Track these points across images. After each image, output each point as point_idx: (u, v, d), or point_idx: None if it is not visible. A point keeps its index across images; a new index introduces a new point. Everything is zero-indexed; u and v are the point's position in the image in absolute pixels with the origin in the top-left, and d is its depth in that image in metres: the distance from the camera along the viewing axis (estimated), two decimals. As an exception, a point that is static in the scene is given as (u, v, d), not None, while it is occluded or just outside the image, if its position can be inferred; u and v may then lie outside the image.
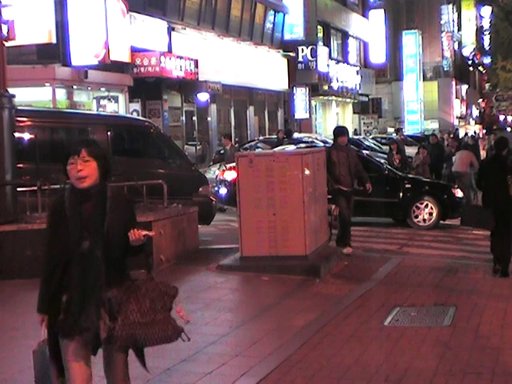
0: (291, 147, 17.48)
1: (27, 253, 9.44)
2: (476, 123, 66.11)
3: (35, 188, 9.77)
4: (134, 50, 22.44)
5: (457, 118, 59.14)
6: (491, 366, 6.08)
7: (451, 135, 32.12)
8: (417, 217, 15.39)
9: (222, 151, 26.13)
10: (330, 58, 38.81)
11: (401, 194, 15.59)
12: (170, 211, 10.68)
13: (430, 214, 15.37)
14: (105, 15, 20.21)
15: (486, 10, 73.15)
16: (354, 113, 46.90)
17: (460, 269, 10.55)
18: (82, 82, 20.89)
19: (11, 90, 9.92)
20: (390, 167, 16.81)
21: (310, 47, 35.16)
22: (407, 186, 15.83)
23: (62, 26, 19.94)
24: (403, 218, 15.55)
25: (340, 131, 12.14)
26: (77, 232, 4.11)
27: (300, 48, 35.12)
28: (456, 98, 58.90)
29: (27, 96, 17.68)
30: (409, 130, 45.79)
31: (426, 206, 15.37)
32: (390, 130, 43.27)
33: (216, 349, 6.58)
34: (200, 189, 12.69)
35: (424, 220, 15.38)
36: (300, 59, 35.18)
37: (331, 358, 6.31)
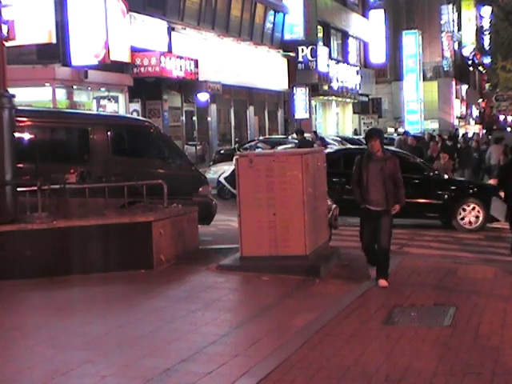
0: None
1: (27, 253, 9.45)
2: (476, 123, 66.15)
3: (35, 188, 9.77)
4: (134, 50, 22.47)
5: (457, 118, 59.16)
6: (491, 366, 6.08)
7: (442, 136, 30.18)
8: (463, 219, 15.13)
9: (222, 151, 26.20)
10: (330, 58, 38.84)
11: (446, 196, 15.37)
12: (170, 211, 10.68)
13: (477, 216, 15.07)
14: (105, 15, 20.25)
15: (486, 10, 73.17)
16: (354, 113, 46.92)
17: (460, 269, 10.55)
18: (82, 82, 20.92)
19: (11, 90, 9.91)
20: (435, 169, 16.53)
21: (310, 47, 35.20)
22: (453, 187, 15.64)
23: (62, 26, 19.97)
24: (448, 220, 15.29)
25: (370, 133, 9.65)
26: None
27: (300, 48, 35.16)
28: (456, 98, 58.91)
29: (27, 96, 17.70)
30: (409, 130, 45.76)
31: (473, 208, 15.10)
32: (389, 129, 43.26)
33: (216, 349, 6.57)
34: (200, 189, 12.68)
35: (470, 222, 15.11)
36: (300, 59, 35.22)
37: (331, 358, 6.30)
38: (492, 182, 18.55)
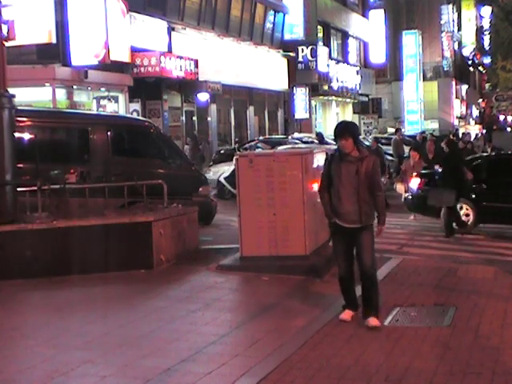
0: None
1: (27, 253, 9.45)
2: (476, 123, 66.13)
3: (35, 188, 9.77)
4: (134, 50, 22.46)
5: (457, 117, 59.15)
6: (491, 366, 6.07)
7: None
8: None
9: (222, 151, 26.20)
10: (330, 58, 38.83)
11: None
12: (170, 211, 10.68)
13: None
14: (105, 15, 20.24)
15: (486, 10, 73.15)
16: (354, 113, 46.89)
17: (460, 269, 10.55)
18: (82, 82, 20.91)
19: (11, 90, 9.91)
20: None
21: (310, 47, 35.19)
22: None
23: (62, 26, 19.97)
24: None
25: (337, 130, 7.48)
26: None
27: (300, 48, 35.15)
28: (456, 98, 58.90)
29: (27, 96, 17.69)
30: (409, 129, 45.79)
31: None
32: (390, 129, 43.24)
33: (216, 349, 6.58)
34: (200, 189, 12.69)
35: None
36: (300, 59, 35.22)
37: (331, 358, 6.30)
38: None
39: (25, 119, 11.38)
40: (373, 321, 7.25)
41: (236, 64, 29.97)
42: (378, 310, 7.39)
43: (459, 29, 66.44)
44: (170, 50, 24.49)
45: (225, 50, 29.36)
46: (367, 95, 47.09)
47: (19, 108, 10.70)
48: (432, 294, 8.83)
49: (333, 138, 7.91)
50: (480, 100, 77.59)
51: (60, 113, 14.73)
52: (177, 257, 10.51)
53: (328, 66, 37.71)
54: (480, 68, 79.42)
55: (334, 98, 42.10)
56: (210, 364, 6.11)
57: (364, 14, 47.68)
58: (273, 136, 31.04)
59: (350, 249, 7.45)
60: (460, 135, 39.60)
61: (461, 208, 14.70)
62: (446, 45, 57.76)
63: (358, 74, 43.72)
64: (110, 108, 22.44)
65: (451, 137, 29.95)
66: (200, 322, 7.45)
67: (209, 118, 29.31)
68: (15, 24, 9.85)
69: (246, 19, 31.78)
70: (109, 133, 12.02)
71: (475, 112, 73.54)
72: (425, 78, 52.80)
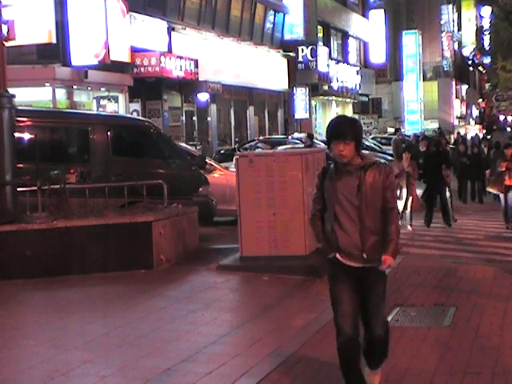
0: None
1: (27, 253, 9.45)
2: (476, 123, 66.18)
3: (35, 188, 9.78)
4: (134, 50, 22.47)
5: (457, 117, 59.17)
6: (491, 366, 6.07)
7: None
8: None
9: (222, 151, 26.20)
10: (330, 58, 38.85)
11: None
12: (170, 211, 10.68)
13: None
14: (105, 15, 20.25)
15: (486, 10, 73.25)
16: (354, 113, 46.91)
17: (460, 269, 10.55)
18: (82, 82, 20.92)
19: (11, 90, 9.92)
20: None
21: (310, 47, 35.22)
22: None
23: (62, 26, 19.97)
24: None
25: (335, 128, 5.01)
26: None
27: (300, 48, 35.18)
28: (456, 98, 58.93)
29: (27, 96, 17.69)
30: (409, 129, 45.79)
31: None
32: (390, 129, 43.26)
33: (216, 349, 6.58)
34: (200, 189, 12.69)
35: None
36: (300, 59, 35.25)
37: (331, 358, 6.29)
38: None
39: (25, 119, 11.38)
40: (375, 378, 5.37)
41: (236, 64, 29.98)
42: (381, 363, 5.37)
43: (459, 29, 66.53)
44: (170, 50, 24.49)
45: (225, 50, 29.36)
46: (367, 95, 47.12)
47: (19, 108, 10.70)
48: (432, 293, 8.83)
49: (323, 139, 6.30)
50: (480, 100, 77.69)
51: (60, 113, 14.73)
52: (177, 257, 10.51)
53: (328, 65, 37.73)
54: (480, 68, 79.52)
55: (334, 97, 42.12)
56: (210, 364, 6.11)
57: (364, 14, 47.71)
58: (273, 136, 31.05)
59: (355, 298, 5.06)
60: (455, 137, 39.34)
61: None
62: (446, 45, 57.82)
63: (357, 74, 43.74)
64: (110, 108, 22.45)
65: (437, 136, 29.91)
66: (200, 322, 7.45)
67: (209, 118, 29.32)
68: (15, 24, 9.86)
69: (246, 19, 31.78)
70: (109, 133, 12.02)
71: (475, 112, 73.61)
72: (425, 78, 52.84)
